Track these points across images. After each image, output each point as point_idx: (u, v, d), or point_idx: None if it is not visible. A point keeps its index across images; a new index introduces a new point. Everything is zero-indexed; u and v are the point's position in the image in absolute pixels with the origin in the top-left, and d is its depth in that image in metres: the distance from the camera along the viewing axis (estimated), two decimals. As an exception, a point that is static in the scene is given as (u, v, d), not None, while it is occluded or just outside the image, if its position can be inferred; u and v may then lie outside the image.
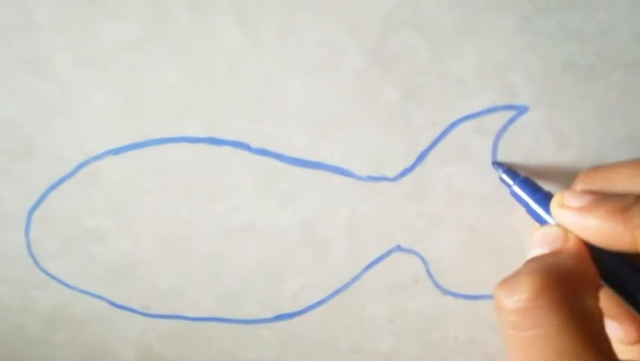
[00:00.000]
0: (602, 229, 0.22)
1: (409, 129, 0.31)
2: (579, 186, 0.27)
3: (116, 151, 0.32)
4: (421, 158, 0.31)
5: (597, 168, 0.27)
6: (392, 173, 0.32)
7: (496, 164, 0.31)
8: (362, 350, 0.36)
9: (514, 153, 0.31)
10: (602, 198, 0.23)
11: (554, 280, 0.22)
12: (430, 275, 0.34)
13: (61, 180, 0.32)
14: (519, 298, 0.22)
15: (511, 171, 0.29)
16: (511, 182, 0.29)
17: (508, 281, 0.23)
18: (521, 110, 0.31)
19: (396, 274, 0.34)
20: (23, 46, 0.30)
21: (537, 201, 0.27)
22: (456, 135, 0.31)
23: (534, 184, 0.28)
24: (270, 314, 0.35)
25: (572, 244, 0.24)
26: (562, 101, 0.30)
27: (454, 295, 0.34)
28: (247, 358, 0.36)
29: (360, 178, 0.32)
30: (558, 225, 0.25)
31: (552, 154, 0.31)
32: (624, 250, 0.22)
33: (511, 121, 0.31)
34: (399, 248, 0.33)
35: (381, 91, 0.30)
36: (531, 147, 0.31)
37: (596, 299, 0.23)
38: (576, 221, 0.23)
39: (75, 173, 0.32)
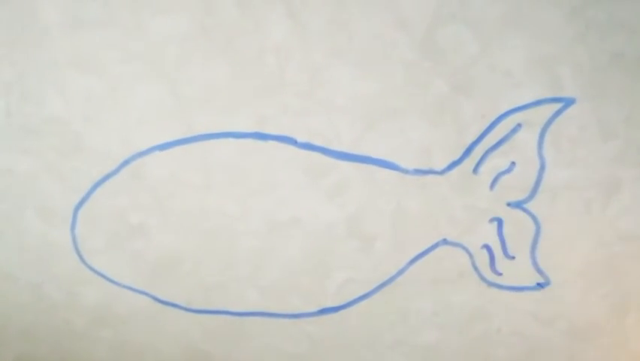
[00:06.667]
0: None
1: (457, 122, 0.31)
2: None
3: (162, 147, 0.32)
4: (468, 150, 0.31)
5: None
6: (440, 166, 0.32)
7: None
8: (406, 343, 0.36)
9: (559, 144, 0.31)
10: None
11: None
12: (476, 268, 0.34)
13: (107, 177, 0.32)
14: None
15: None
16: None
17: None
18: (568, 102, 0.31)
19: (442, 267, 0.34)
20: (71, 43, 0.30)
21: None
22: (504, 128, 0.31)
23: None
24: (314, 308, 0.35)
25: None
26: (610, 92, 0.30)
27: (499, 287, 0.34)
28: (292, 352, 0.36)
29: (406, 172, 0.32)
30: None
31: (598, 145, 0.31)
32: None
33: (558, 113, 0.31)
34: (445, 241, 0.33)
35: (430, 83, 0.30)
36: (577, 138, 0.31)
37: None
38: None
39: (121, 169, 0.32)
